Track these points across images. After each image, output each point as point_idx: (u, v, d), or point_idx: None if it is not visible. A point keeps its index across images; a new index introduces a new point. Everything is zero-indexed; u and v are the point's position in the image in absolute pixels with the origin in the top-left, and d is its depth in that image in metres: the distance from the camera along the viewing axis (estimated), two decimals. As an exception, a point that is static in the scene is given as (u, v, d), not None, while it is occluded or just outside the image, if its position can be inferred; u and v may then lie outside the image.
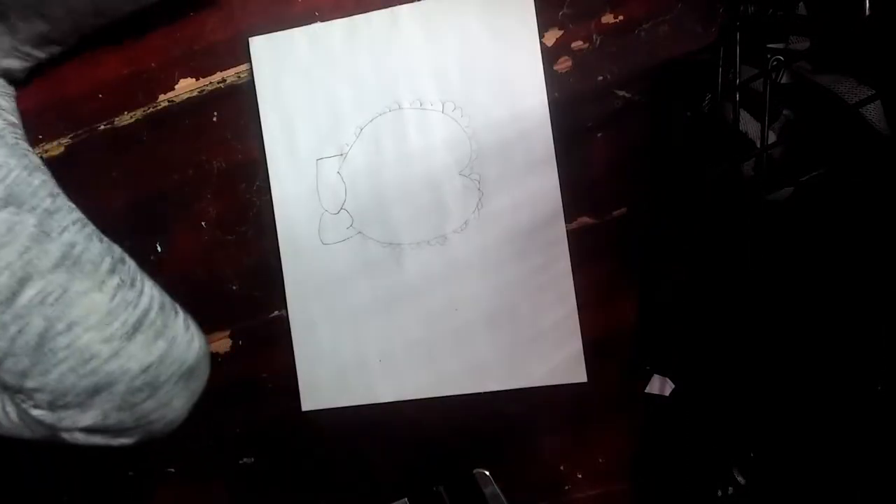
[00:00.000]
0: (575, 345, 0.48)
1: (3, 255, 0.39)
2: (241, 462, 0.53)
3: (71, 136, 0.52)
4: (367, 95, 0.50)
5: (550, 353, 0.49)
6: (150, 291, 0.43)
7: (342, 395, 0.51)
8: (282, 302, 0.51)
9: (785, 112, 0.40)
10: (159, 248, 0.52)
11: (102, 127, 0.52)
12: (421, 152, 0.49)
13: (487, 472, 0.49)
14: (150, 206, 0.52)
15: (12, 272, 0.39)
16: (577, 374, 0.48)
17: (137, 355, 0.41)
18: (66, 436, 0.41)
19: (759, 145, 0.39)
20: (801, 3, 0.41)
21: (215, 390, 0.52)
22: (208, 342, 0.46)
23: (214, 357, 0.52)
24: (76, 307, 0.40)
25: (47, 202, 0.42)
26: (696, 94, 0.44)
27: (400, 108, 0.49)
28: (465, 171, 0.49)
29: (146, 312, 0.42)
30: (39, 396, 0.40)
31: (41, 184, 0.43)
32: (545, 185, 0.48)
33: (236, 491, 0.53)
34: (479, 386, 0.49)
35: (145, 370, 0.41)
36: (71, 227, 0.42)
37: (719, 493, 0.43)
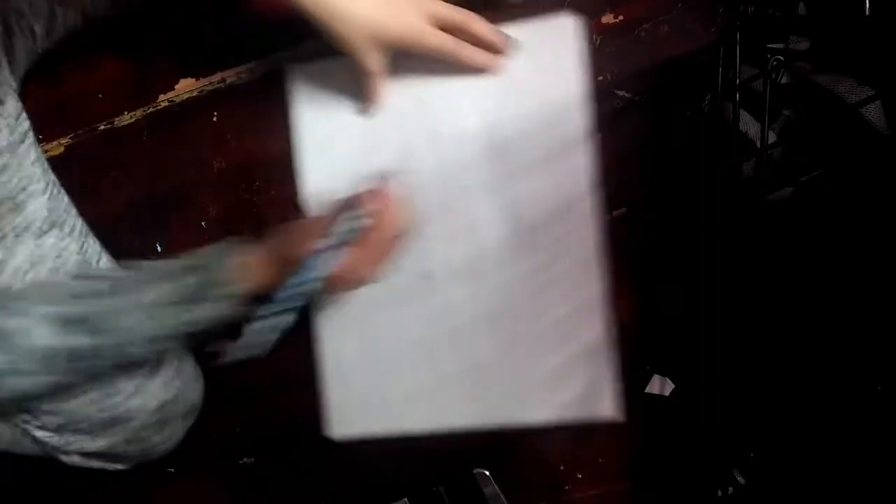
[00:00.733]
0: (608, 378, 0.47)
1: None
2: (241, 462, 0.53)
3: (71, 136, 0.52)
4: (401, 119, 0.48)
5: (582, 386, 0.47)
6: None
7: (373, 423, 0.50)
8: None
9: (785, 112, 0.40)
10: (159, 248, 0.52)
11: (102, 127, 0.52)
12: (450, 171, 0.48)
13: (487, 472, 0.49)
14: (150, 206, 0.52)
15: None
16: (610, 408, 0.47)
17: (157, 394, 0.41)
18: (63, 457, 0.41)
19: (759, 145, 0.39)
20: (801, 3, 0.41)
21: (216, 390, 0.52)
22: None
23: (214, 357, 0.52)
24: None
25: (79, 224, 0.41)
26: (696, 94, 0.44)
27: (433, 125, 0.48)
28: (495, 189, 0.48)
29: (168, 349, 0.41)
30: (50, 419, 0.39)
31: (69, 203, 0.42)
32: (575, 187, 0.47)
33: (236, 491, 0.53)
34: (518, 416, 0.48)
35: (161, 407, 0.41)
36: (103, 255, 0.41)
37: (719, 493, 0.43)
